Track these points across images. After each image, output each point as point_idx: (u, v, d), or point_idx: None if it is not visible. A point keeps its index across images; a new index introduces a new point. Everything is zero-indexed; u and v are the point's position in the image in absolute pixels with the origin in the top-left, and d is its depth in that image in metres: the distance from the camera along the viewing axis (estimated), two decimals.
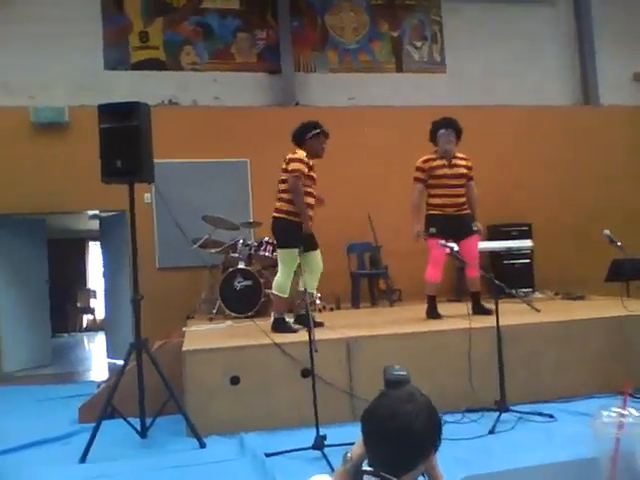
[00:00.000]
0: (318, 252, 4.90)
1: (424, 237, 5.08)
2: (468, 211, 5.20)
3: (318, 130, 4.83)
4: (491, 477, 1.68)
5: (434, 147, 5.24)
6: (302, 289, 4.74)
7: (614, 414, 1.29)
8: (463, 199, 5.18)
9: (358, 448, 1.62)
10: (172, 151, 7.21)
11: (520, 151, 8.35)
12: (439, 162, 5.11)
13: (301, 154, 4.74)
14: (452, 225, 5.05)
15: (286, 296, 4.80)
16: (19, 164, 7.22)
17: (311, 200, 4.80)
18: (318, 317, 5.28)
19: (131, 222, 4.10)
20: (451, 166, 5.12)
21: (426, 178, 5.13)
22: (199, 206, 7.02)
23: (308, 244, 4.75)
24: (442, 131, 5.14)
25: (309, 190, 4.78)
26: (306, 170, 4.70)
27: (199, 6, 8.03)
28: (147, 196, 7.24)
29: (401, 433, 1.46)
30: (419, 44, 8.61)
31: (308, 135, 4.81)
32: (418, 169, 5.17)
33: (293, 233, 4.68)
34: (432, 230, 5.02)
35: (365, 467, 1.53)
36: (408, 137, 7.49)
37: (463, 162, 5.20)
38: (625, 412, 1.29)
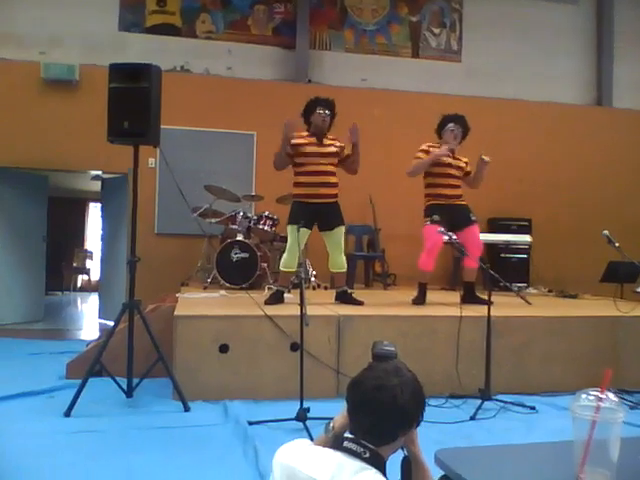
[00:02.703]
0: (335, 232, 4.86)
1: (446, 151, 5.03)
2: (466, 202, 5.22)
3: (313, 103, 4.77)
4: (463, 451, 1.72)
5: (438, 139, 5.26)
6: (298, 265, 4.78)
7: (592, 397, 1.32)
8: (460, 191, 5.21)
9: (341, 418, 1.64)
10: (180, 118, 7.21)
11: (527, 146, 8.33)
12: None
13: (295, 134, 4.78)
14: (451, 215, 5.04)
15: (287, 270, 4.87)
16: (26, 119, 7.20)
17: (313, 178, 4.75)
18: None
19: (133, 184, 4.11)
20: (454, 158, 5.17)
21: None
22: (202, 175, 7.03)
23: (321, 224, 4.82)
24: (450, 125, 5.15)
25: (310, 169, 4.75)
26: (300, 148, 4.74)
27: None
28: (151, 161, 7.23)
29: (385, 405, 1.48)
30: (437, 31, 8.54)
31: (309, 112, 4.79)
32: (423, 151, 5.15)
33: (292, 210, 4.83)
34: (435, 217, 4.92)
35: (347, 435, 1.55)
36: (416, 123, 7.46)
37: (462, 158, 5.27)
38: (603, 396, 1.31)
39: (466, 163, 5.29)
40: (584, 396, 1.32)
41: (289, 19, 8.10)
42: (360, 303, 4.88)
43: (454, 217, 5.05)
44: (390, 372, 1.53)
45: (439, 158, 5.03)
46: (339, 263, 4.96)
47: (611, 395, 1.31)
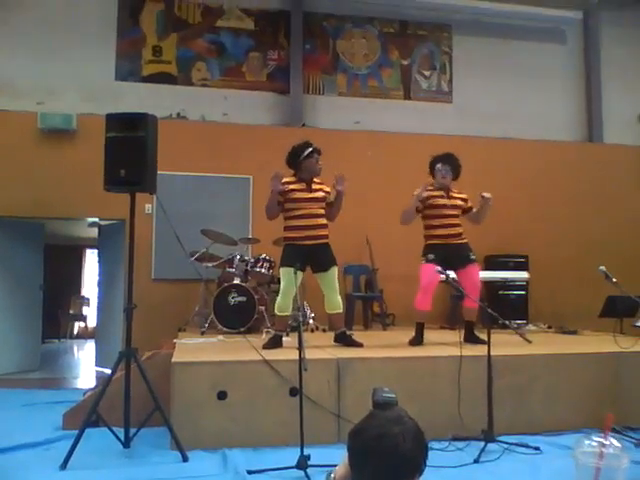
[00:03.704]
0: (329, 272, 4.86)
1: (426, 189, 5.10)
2: (466, 241, 5.23)
3: (310, 149, 4.84)
4: None
5: (432, 179, 5.33)
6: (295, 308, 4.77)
7: (595, 444, 1.30)
8: (460, 229, 5.23)
9: (342, 468, 1.61)
10: (177, 164, 7.27)
11: (521, 184, 8.39)
12: (437, 193, 5.21)
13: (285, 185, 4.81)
14: (450, 254, 5.08)
15: (282, 314, 4.84)
16: (23, 168, 7.25)
17: (303, 222, 4.80)
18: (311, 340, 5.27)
19: (130, 231, 4.12)
20: (449, 197, 5.21)
21: (422, 208, 5.19)
22: (199, 219, 7.05)
23: (314, 265, 4.83)
24: (438, 166, 5.24)
25: (300, 213, 4.79)
26: (290, 194, 4.78)
27: (214, 24, 8.15)
28: (148, 207, 7.26)
29: (387, 454, 1.45)
30: (428, 73, 8.71)
31: (301, 157, 4.84)
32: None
33: (286, 253, 4.86)
34: (430, 256, 5.03)
35: None
36: (410, 163, 7.54)
37: (458, 195, 5.31)
38: (606, 442, 1.29)
39: (465, 200, 5.32)
40: (587, 442, 1.30)
41: (283, 65, 8.27)
42: (359, 345, 4.84)
43: (451, 256, 5.08)
44: (392, 420, 1.51)
45: (418, 199, 5.09)
46: (335, 303, 4.94)
47: (614, 441, 1.29)
